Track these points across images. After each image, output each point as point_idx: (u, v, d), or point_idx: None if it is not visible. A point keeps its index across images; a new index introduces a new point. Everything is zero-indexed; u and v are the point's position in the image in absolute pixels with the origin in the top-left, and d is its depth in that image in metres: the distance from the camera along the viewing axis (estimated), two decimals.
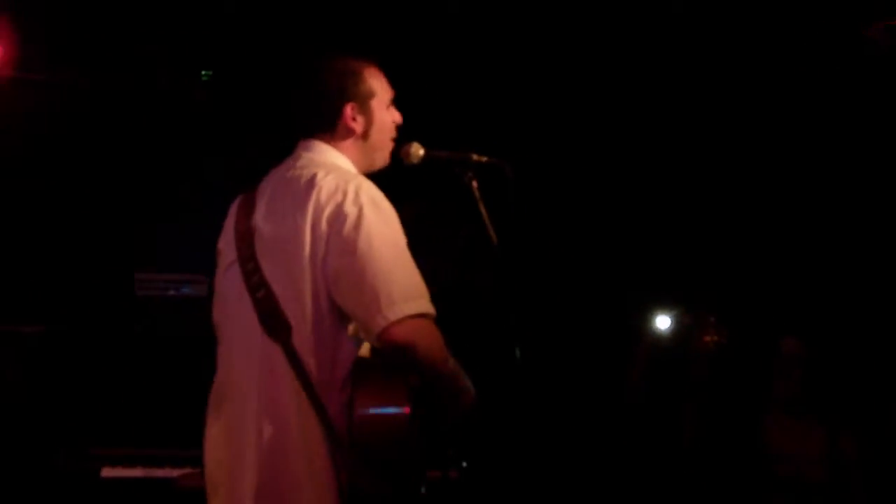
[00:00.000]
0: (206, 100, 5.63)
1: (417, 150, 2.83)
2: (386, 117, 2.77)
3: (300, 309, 2.41)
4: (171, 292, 5.48)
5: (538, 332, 2.81)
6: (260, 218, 2.57)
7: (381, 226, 2.43)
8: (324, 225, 2.42)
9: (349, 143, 2.72)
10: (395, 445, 2.22)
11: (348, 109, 2.70)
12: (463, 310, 2.94)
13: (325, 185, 2.48)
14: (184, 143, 5.69)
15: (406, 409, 2.24)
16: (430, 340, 2.36)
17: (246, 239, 2.53)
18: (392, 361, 2.37)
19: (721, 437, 4.96)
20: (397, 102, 2.84)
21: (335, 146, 2.71)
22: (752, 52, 5.22)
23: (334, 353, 2.41)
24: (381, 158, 2.80)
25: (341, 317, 2.43)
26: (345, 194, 2.45)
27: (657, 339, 5.61)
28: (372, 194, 2.48)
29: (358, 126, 2.72)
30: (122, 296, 5.45)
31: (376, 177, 2.77)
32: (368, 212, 2.42)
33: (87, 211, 5.63)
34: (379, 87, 2.76)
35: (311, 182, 2.51)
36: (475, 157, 2.84)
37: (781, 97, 5.44)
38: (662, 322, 5.63)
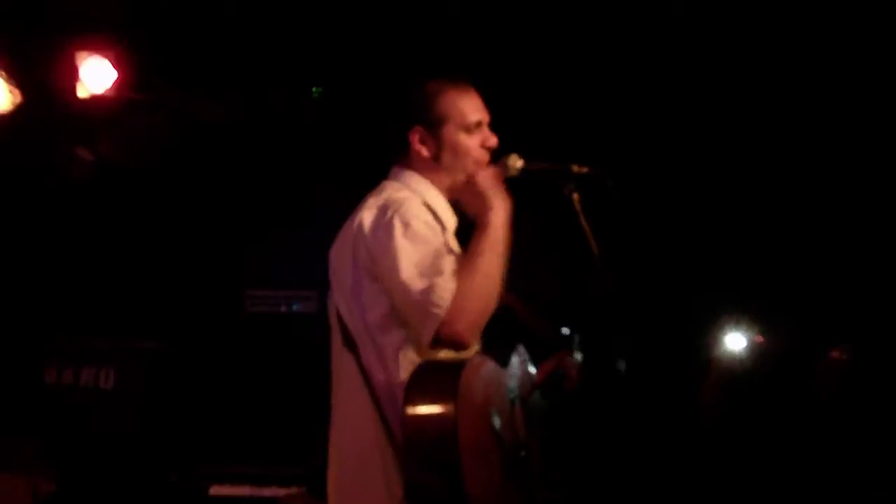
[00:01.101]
0: (315, 121, 5.73)
1: (515, 162, 2.77)
2: (464, 141, 2.72)
3: (361, 335, 2.55)
4: (282, 309, 5.58)
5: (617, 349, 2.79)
6: (332, 250, 2.70)
7: (404, 242, 2.47)
8: (365, 252, 2.53)
9: (425, 166, 2.73)
10: (441, 444, 2.25)
11: (415, 135, 2.71)
12: (564, 324, 2.92)
13: (367, 218, 2.56)
14: (295, 161, 5.78)
15: (451, 407, 2.26)
16: (461, 319, 2.39)
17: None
18: (447, 362, 2.43)
19: (862, 457, 4.88)
20: (497, 118, 2.84)
21: (417, 170, 2.73)
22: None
23: (397, 362, 2.50)
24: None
25: (397, 327, 2.51)
26: (380, 219, 2.53)
27: (730, 359, 5.48)
28: (405, 217, 2.52)
29: (426, 150, 2.71)
30: (233, 313, 5.57)
31: None
32: (397, 233, 2.48)
33: (201, 229, 5.77)
34: (455, 111, 2.72)
35: (358, 210, 2.61)
36: (576, 168, 2.77)
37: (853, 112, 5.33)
38: (735, 341, 5.52)
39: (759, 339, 5.54)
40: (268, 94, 5.62)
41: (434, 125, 2.70)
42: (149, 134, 5.45)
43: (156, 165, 5.57)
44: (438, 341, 2.40)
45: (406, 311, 2.44)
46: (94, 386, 4.96)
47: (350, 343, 2.57)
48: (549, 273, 5.07)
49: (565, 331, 2.85)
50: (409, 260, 2.44)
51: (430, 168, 2.71)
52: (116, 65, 5.14)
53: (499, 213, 2.58)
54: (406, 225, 2.49)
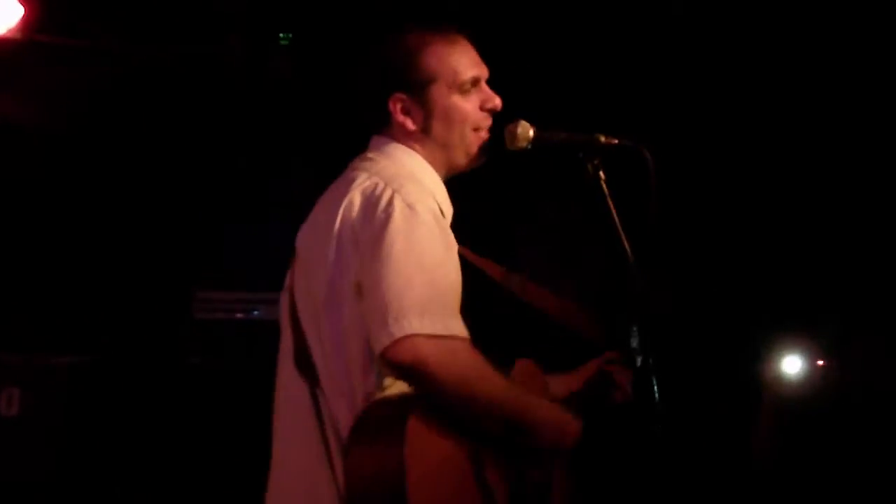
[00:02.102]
0: (286, 70, 5.62)
1: (526, 131, 2.71)
2: (458, 104, 2.68)
3: (321, 345, 2.49)
4: (239, 315, 5.56)
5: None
6: (301, 235, 2.64)
7: (409, 233, 2.41)
8: (351, 245, 2.47)
9: (411, 139, 2.69)
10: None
11: (396, 103, 2.66)
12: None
13: (357, 195, 2.51)
14: (260, 127, 5.70)
15: (398, 462, 2.25)
16: (446, 366, 2.33)
17: (293, 260, 2.64)
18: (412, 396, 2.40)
19: None
20: (498, 77, 2.74)
21: (402, 141, 2.69)
22: None
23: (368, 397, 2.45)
24: (463, 156, 2.72)
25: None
26: (377, 203, 2.46)
27: (787, 387, 5.43)
28: (410, 200, 2.46)
29: (412, 121, 2.67)
30: (177, 319, 5.53)
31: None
32: (398, 218, 2.42)
33: (136, 212, 5.66)
34: (445, 68, 2.67)
35: (346, 191, 2.53)
36: (603, 138, 2.69)
37: None
38: (792, 365, 5.46)
39: (825, 363, 5.47)
40: (223, 39, 5.56)
41: (419, 89, 2.66)
42: (63, 88, 5.36)
43: (73, 129, 5.52)
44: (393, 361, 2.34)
45: (376, 313, 2.36)
46: None
47: (303, 358, 2.51)
48: (582, 269, 5.16)
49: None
50: (417, 255, 2.41)
51: (420, 142, 2.69)
52: None
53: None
54: (410, 208, 2.45)
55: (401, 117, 2.65)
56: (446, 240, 2.50)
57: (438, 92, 2.65)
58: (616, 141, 2.70)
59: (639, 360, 2.67)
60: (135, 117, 5.58)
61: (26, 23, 5.07)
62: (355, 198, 2.49)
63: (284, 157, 5.71)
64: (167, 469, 5.10)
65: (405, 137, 2.68)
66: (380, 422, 2.33)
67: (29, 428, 4.93)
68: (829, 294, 5.57)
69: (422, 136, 2.67)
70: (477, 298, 2.57)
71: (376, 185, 2.50)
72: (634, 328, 2.65)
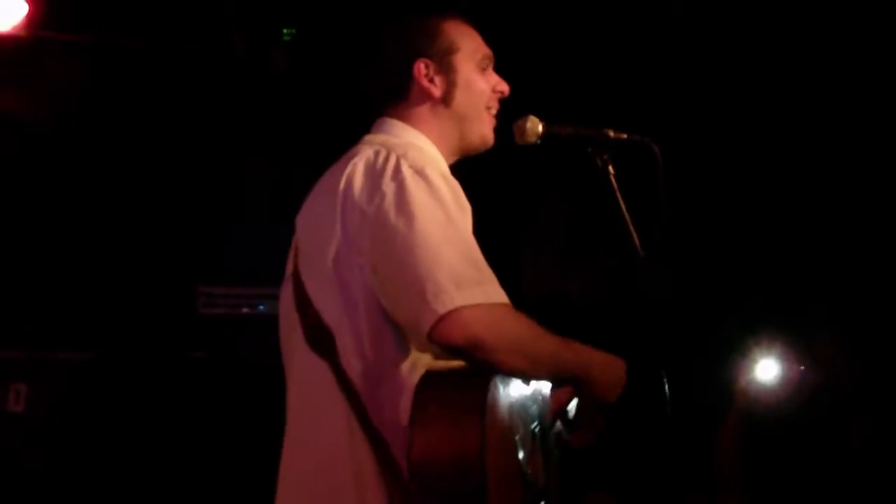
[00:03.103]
0: (288, 67, 5.60)
1: (536, 126, 2.69)
2: (477, 78, 2.66)
3: (340, 321, 2.40)
4: (244, 310, 5.54)
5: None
6: (300, 219, 2.57)
7: (426, 200, 2.34)
8: (356, 214, 2.38)
9: (427, 112, 2.63)
10: (463, 475, 2.17)
11: (421, 66, 2.61)
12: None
13: (360, 164, 2.42)
14: (262, 123, 5.67)
15: (474, 443, 2.17)
16: (499, 335, 2.26)
17: (294, 245, 2.57)
18: (467, 370, 2.30)
19: None
20: (506, 72, 2.73)
21: (409, 120, 2.63)
22: None
23: (393, 370, 2.37)
24: (478, 133, 2.68)
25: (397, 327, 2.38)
26: (383, 170, 2.38)
27: (758, 392, 5.34)
28: (418, 165, 2.39)
29: (436, 87, 2.62)
30: (181, 314, 5.49)
31: (479, 162, 2.71)
32: (411, 185, 2.35)
33: (140, 208, 5.62)
34: (465, 42, 2.67)
35: (345, 165, 2.44)
36: (612, 133, 2.70)
37: None
38: (766, 370, 5.37)
39: (798, 368, 5.39)
40: (227, 36, 5.53)
41: (444, 56, 2.64)
42: (68, 83, 5.34)
43: (77, 125, 5.47)
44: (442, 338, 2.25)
45: (411, 291, 2.28)
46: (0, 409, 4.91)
47: (319, 338, 2.42)
48: (591, 268, 5.08)
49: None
50: (441, 224, 2.33)
51: (435, 116, 2.65)
52: None
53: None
54: (420, 173, 2.38)
55: (426, 82, 2.62)
56: (461, 202, 2.42)
57: (462, 62, 2.65)
58: (625, 136, 2.69)
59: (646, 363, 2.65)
60: (138, 113, 5.55)
61: (31, 19, 5.03)
62: (357, 167, 2.42)
63: (288, 152, 5.66)
64: (172, 464, 5.04)
65: (419, 111, 2.64)
66: (454, 390, 2.27)
67: (35, 424, 4.92)
68: (797, 297, 5.57)
69: (442, 107, 2.64)
70: None
71: (377, 152, 2.45)
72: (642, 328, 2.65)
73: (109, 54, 5.37)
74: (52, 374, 4.99)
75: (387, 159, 2.41)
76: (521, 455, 2.36)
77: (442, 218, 2.34)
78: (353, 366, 2.38)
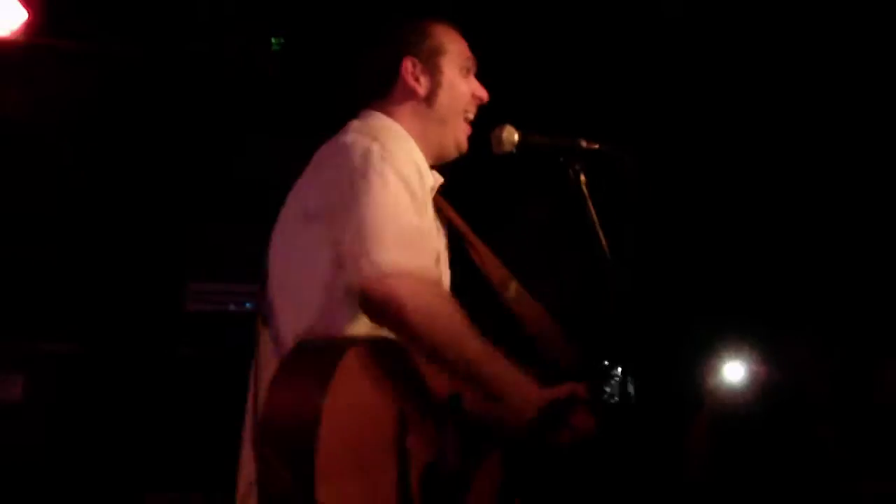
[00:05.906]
0: (277, 73, 5.60)
1: (511, 135, 2.73)
2: (460, 82, 2.72)
3: (289, 294, 2.49)
4: (232, 307, 5.53)
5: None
6: (280, 216, 2.64)
7: (390, 177, 2.41)
8: (324, 178, 2.47)
9: (408, 110, 2.69)
10: (295, 443, 2.20)
11: (408, 64, 2.68)
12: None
13: (335, 141, 2.50)
14: (252, 126, 5.69)
15: (312, 405, 2.19)
16: (417, 304, 2.31)
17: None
18: (340, 340, 2.35)
19: None
20: (485, 81, 2.79)
21: (392, 115, 2.68)
22: None
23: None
24: (453, 138, 2.74)
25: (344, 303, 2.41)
26: (352, 146, 2.46)
27: (726, 395, 5.29)
28: (388, 146, 2.47)
29: (421, 86, 2.68)
30: (169, 310, 5.49)
31: (456, 170, 2.76)
32: (375, 158, 2.42)
33: (130, 205, 5.62)
34: (452, 46, 2.73)
35: (319, 151, 2.54)
36: (584, 143, 2.73)
37: None
38: (733, 372, 5.30)
39: (763, 369, 5.35)
40: (218, 43, 5.52)
41: (431, 56, 2.70)
42: (65, 88, 5.34)
43: (73, 127, 5.48)
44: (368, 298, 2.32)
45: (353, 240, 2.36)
46: None
47: (267, 311, 2.53)
48: (561, 274, 5.07)
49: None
50: (392, 196, 2.40)
51: (416, 115, 2.69)
52: (26, 2, 5.00)
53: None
54: (388, 154, 2.45)
55: (411, 80, 2.67)
56: (416, 201, 2.48)
57: (448, 64, 2.70)
58: (597, 146, 2.72)
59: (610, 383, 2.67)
60: (133, 116, 5.56)
61: (29, 26, 5.02)
62: (331, 144, 2.51)
63: (279, 153, 5.47)
64: (159, 459, 5.05)
65: (406, 107, 2.69)
66: (308, 362, 2.29)
67: (28, 412, 4.94)
68: (764, 299, 5.56)
69: (424, 107, 2.69)
70: (467, 297, 2.54)
71: (354, 132, 2.53)
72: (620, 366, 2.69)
73: (106, 60, 5.37)
74: (42, 368, 5.02)
75: (357, 139, 2.47)
76: (401, 428, 2.33)
77: (395, 192, 2.40)
78: (288, 331, 2.46)
